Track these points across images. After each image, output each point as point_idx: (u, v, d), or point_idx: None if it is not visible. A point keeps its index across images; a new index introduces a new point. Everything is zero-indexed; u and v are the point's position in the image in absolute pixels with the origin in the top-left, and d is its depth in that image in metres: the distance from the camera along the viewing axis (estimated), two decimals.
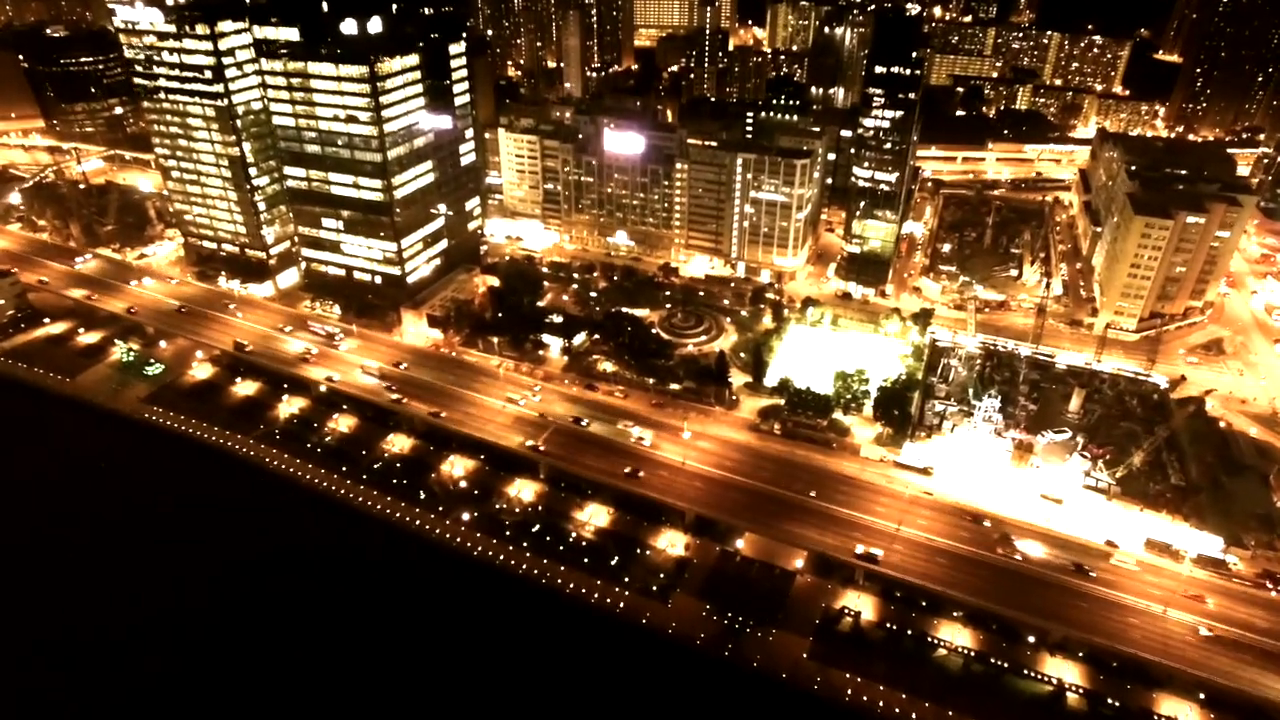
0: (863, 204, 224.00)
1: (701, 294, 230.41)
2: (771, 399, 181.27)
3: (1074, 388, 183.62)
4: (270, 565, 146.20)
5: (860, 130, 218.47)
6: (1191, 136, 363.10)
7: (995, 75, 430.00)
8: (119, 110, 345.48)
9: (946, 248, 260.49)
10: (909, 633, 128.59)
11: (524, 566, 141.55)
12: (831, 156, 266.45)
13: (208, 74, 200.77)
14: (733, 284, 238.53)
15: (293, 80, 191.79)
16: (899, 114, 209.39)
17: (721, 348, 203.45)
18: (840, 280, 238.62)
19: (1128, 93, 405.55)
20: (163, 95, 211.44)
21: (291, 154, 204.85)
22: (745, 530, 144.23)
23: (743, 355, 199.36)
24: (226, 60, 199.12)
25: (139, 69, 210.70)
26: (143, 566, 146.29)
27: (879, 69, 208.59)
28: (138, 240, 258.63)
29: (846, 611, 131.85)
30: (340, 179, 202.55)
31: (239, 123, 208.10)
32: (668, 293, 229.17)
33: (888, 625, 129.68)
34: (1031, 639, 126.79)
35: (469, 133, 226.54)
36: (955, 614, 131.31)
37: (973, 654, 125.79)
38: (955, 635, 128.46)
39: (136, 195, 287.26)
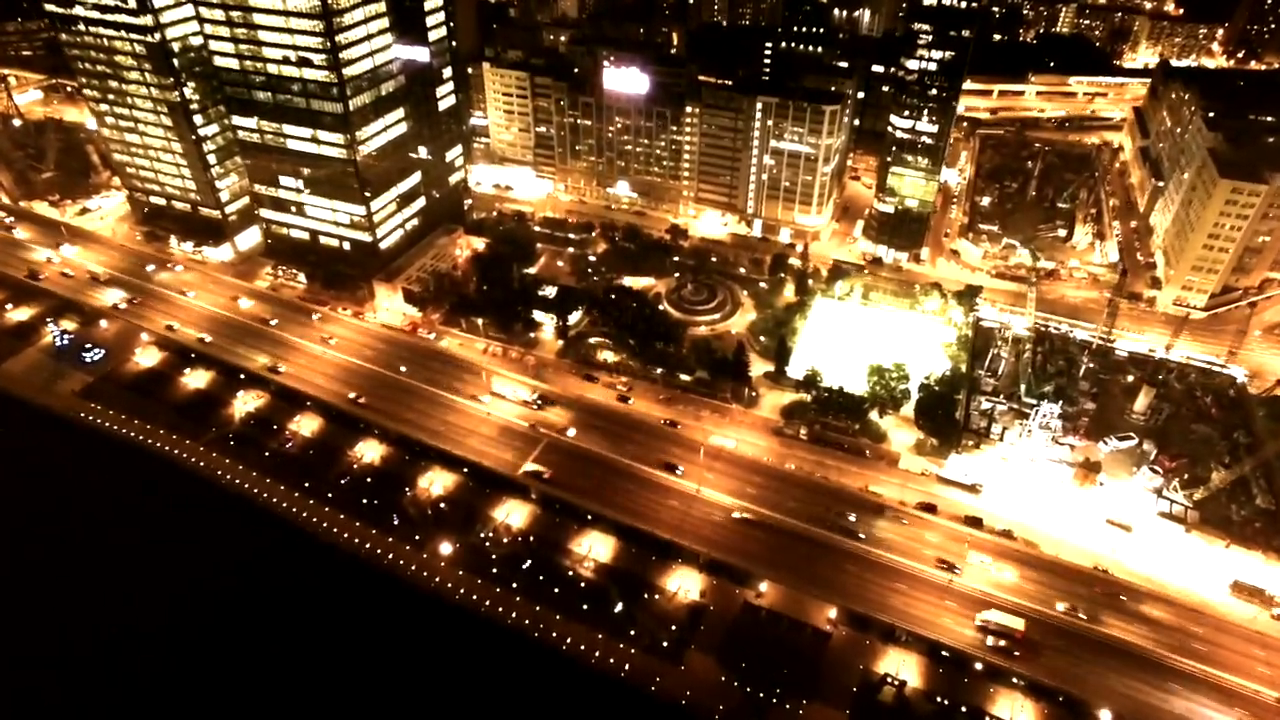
0: (900, 156, 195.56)
1: (714, 259, 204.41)
2: (796, 393, 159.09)
3: (1141, 383, 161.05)
4: (216, 601, 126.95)
5: (901, 72, 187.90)
6: (1255, 65, 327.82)
7: None
8: None
9: (985, 201, 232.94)
10: (963, 709, 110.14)
11: (514, 615, 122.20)
12: (860, 94, 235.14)
13: (131, 2, 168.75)
14: (762, 247, 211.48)
15: (232, 14, 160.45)
16: (949, 55, 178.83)
17: (740, 332, 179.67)
18: (869, 242, 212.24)
19: (1181, 12, 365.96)
20: (82, 26, 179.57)
21: (239, 101, 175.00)
22: (770, 580, 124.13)
23: (763, 339, 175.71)
24: None
25: None
26: (62, 595, 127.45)
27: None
28: (80, 190, 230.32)
29: (889, 679, 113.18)
30: (296, 131, 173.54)
31: (176, 62, 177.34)
32: (676, 258, 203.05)
33: (937, 698, 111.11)
34: (1107, 715, 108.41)
35: (447, 71, 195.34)
36: (1015, 680, 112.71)
37: None
38: (1016, 710, 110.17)
39: (81, 134, 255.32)
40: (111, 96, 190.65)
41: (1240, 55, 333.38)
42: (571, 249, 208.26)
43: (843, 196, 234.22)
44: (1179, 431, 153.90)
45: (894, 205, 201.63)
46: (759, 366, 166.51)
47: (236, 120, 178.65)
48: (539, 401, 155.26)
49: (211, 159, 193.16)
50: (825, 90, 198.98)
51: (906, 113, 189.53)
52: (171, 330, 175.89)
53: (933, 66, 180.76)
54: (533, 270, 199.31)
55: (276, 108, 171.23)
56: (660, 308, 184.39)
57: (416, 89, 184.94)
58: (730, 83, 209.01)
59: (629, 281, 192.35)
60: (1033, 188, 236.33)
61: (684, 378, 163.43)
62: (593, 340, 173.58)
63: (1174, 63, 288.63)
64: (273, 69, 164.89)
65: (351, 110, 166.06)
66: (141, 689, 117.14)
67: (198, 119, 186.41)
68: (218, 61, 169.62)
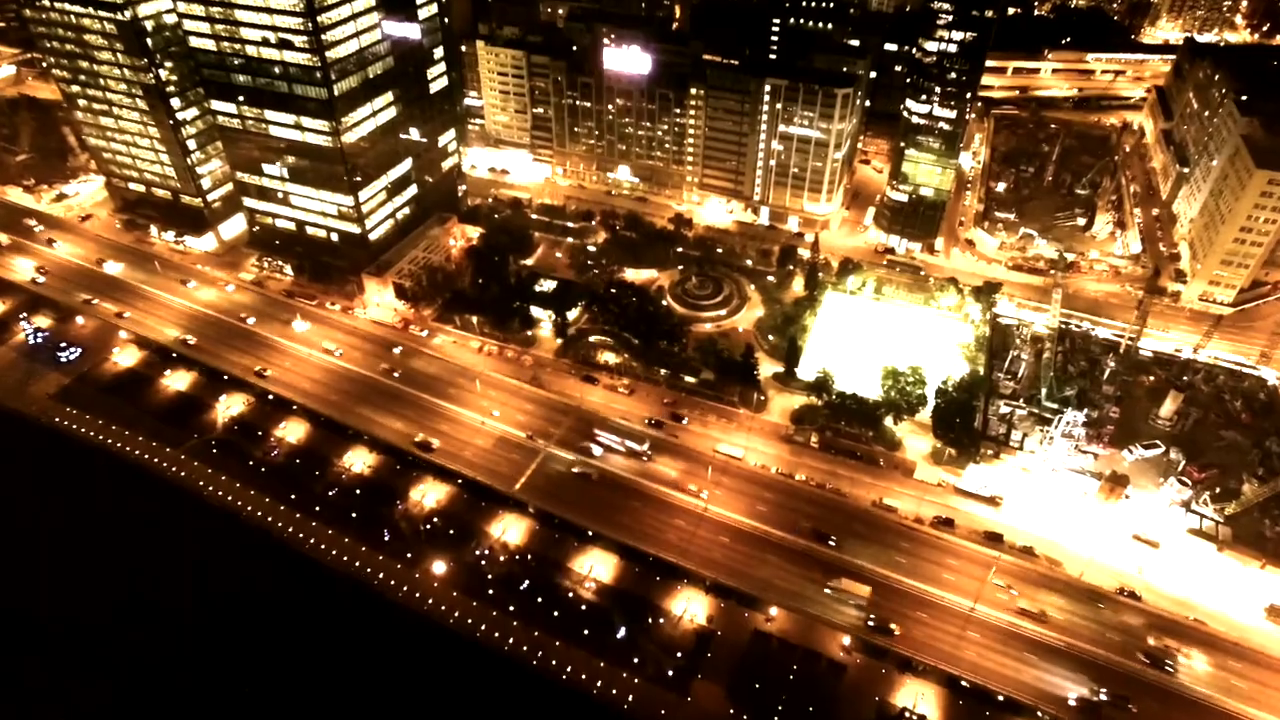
0: (915, 142, 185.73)
1: (719, 250, 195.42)
2: (807, 397, 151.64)
3: (1165, 384, 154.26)
4: (197, 619, 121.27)
5: (918, 54, 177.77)
6: None
7: None
8: None
9: (1001, 187, 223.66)
10: None
11: (511, 640, 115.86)
12: (871, 74, 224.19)
13: None
14: (769, 236, 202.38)
15: None
16: (970, 36, 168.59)
17: (747, 329, 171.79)
18: (880, 231, 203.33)
19: None
20: (47, 2, 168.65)
21: (217, 85, 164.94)
22: (781, 608, 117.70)
23: (771, 338, 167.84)
24: None
25: None
26: (39, 607, 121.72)
27: None
28: (57, 174, 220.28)
29: (907, 714, 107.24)
30: (279, 117, 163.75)
31: (150, 42, 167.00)
32: (679, 249, 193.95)
33: None
34: None
35: (439, 50, 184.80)
36: (1040, 714, 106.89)
37: None
38: None
39: (59, 113, 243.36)
40: (83, 77, 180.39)
41: (1265, 29, 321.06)
42: (570, 239, 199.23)
43: (852, 181, 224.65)
44: (1207, 438, 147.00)
45: (908, 193, 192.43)
46: (767, 367, 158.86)
47: (215, 105, 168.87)
48: (649, 454, 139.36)
49: (191, 144, 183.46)
50: (837, 71, 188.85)
51: (923, 97, 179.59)
52: (90, 304, 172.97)
53: (952, 48, 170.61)
54: (530, 262, 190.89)
55: (257, 92, 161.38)
56: (664, 303, 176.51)
57: (406, 70, 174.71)
58: (736, 62, 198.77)
59: (630, 274, 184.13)
60: (1050, 172, 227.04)
61: (689, 379, 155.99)
62: (593, 339, 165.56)
63: (1199, 38, 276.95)
64: (251, 51, 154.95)
65: (336, 95, 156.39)
66: (123, 704, 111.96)
67: (175, 102, 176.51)
68: (193, 42, 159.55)
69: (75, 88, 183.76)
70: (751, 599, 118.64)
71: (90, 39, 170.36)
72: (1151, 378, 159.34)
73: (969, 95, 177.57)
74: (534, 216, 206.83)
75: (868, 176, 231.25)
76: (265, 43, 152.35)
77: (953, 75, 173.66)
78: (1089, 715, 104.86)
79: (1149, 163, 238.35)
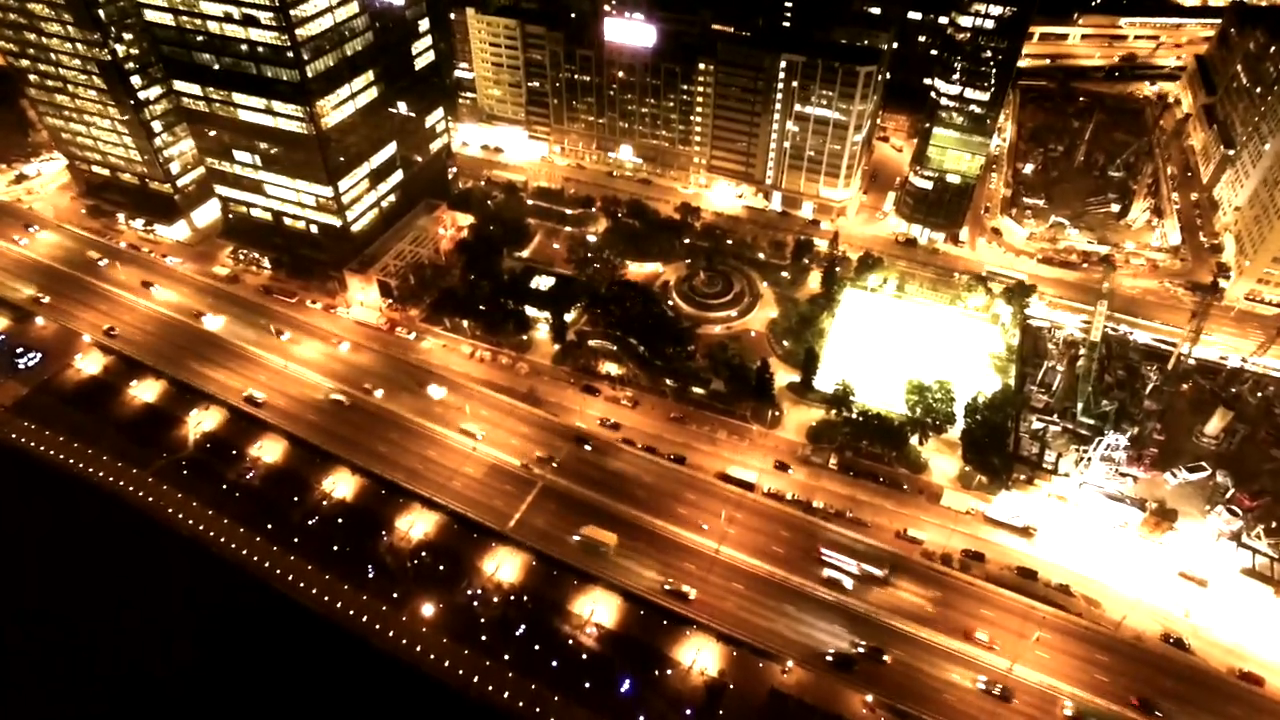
0: (942, 124, 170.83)
1: (729, 241, 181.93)
2: (825, 411, 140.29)
3: (1207, 392, 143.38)
4: (165, 663, 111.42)
5: (950, 29, 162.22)
6: None
7: None
8: None
9: (1029, 169, 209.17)
10: None
11: (506, 693, 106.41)
12: (893, 45, 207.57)
13: None
14: (782, 223, 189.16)
15: None
16: (1010, 10, 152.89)
17: (759, 333, 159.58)
18: (901, 219, 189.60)
19: None
20: None
21: (179, 64, 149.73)
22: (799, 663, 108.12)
23: (786, 342, 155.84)
24: None
25: None
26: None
27: None
28: (17, 153, 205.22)
29: None
30: (248, 101, 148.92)
31: (102, 14, 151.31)
32: (686, 240, 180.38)
33: None
34: None
35: (425, 23, 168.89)
36: None
37: None
38: None
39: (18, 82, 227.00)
40: (32, 51, 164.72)
41: None
42: (569, 227, 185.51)
43: (870, 162, 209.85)
44: (1257, 458, 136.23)
45: (932, 179, 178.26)
46: (781, 375, 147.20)
47: (179, 86, 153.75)
48: (887, 578, 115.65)
49: (156, 125, 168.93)
50: (858, 47, 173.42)
51: (954, 76, 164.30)
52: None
53: (989, 24, 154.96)
54: (525, 254, 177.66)
55: (223, 73, 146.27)
56: (669, 302, 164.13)
57: (389, 45, 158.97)
58: (749, 34, 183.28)
59: (633, 268, 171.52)
60: (1081, 152, 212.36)
61: (697, 391, 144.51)
62: (593, 343, 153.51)
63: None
64: (214, 28, 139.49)
65: (310, 77, 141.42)
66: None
67: (136, 80, 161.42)
68: (150, 16, 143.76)
69: (24, 62, 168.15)
70: (767, 652, 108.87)
71: (36, 8, 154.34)
72: (1188, 384, 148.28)
73: (1006, 76, 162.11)
74: (530, 202, 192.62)
75: (886, 155, 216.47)
76: (228, 18, 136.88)
77: (988, 54, 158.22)
78: None
79: (1186, 140, 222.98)
